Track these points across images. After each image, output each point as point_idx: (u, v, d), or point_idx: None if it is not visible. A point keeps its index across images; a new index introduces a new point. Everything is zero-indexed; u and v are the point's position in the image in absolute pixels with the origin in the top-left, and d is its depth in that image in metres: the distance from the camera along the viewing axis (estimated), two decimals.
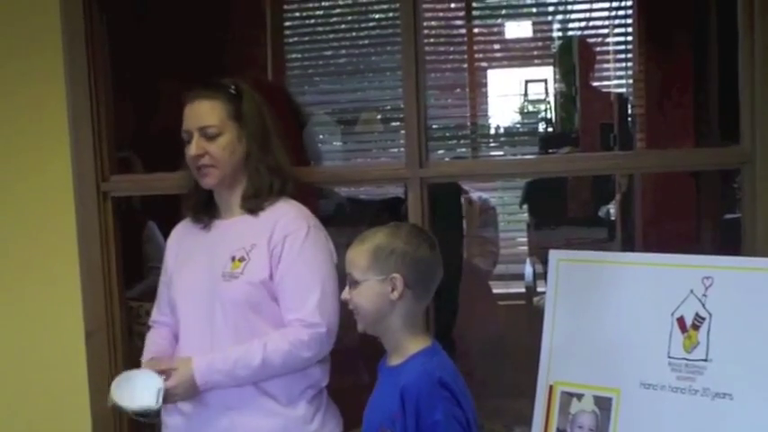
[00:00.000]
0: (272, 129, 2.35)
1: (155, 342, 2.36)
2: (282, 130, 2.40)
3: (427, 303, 2.08)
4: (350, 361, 2.43)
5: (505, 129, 6.38)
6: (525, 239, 5.58)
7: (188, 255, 2.34)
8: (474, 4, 6.01)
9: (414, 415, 1.89)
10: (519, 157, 5.98)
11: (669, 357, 2.13)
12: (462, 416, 1.92)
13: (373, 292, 1.98)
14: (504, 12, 6.18)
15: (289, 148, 2.41)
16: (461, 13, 6.07)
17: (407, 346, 2.01)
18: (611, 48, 5.76)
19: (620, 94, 5.15)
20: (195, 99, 2.26)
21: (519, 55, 6.13)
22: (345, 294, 2.04)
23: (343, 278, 2.12)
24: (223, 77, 2.34)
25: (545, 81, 6.17)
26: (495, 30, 6.15)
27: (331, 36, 5.98)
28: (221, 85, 2.30)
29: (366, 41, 6.04)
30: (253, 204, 2.28)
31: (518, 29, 6.06)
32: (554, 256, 2.39)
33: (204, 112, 2.25)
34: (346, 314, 2.16)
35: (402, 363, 2.01)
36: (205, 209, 2.36)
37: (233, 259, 2.23)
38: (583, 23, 5.99)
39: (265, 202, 2.28)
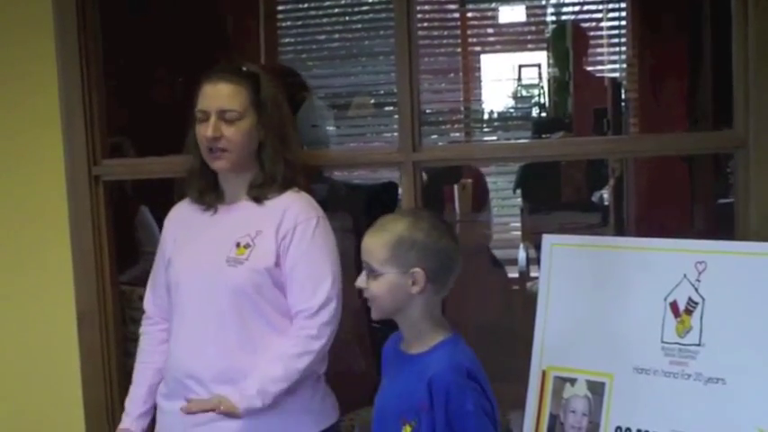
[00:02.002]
0: (289, 119, 2.34)
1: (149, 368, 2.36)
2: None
3: (446, 294, 2.00)
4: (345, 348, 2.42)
5: (499, 113, 6.40)
6: (519, 224, 5.59)
7: (189, 237, 2.32)
8: None
9: (443, 406, 1.85)
10: (512, 141, 5.97)
11: (662, 342, 2.13)
12: (489, 407, 1.89)
13: (392, 284, 1.92)
14: None
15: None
16: None
17: (430, 334, 1.96)
18: (604, 32, 5.77)
19: (613, 79, 5.14)
20: (219, 80, 2.22)
21: (512, 39, 6.14)
22: (362, 283, 1.97)
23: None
24: (228, 62, 2.33)
25: (538, 66, 6.19)
26: (489, 14, 6.15)
27: (324, 20, 5.97)
28: (246, 71, 2.27)
29: (359, 26, 6.03)
30: (259, 193, 2.26)
31: (512, 13, 6.06)
32: (547, 240, 2.38)
33: (227, 95, 2.21)
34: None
35: (425, 352, 1.95)
36: (210, 191, 2.33)
37: (238, 245, 2.21)
38: (576, 8, 5.99)
39: (272, 191, 2.27)
